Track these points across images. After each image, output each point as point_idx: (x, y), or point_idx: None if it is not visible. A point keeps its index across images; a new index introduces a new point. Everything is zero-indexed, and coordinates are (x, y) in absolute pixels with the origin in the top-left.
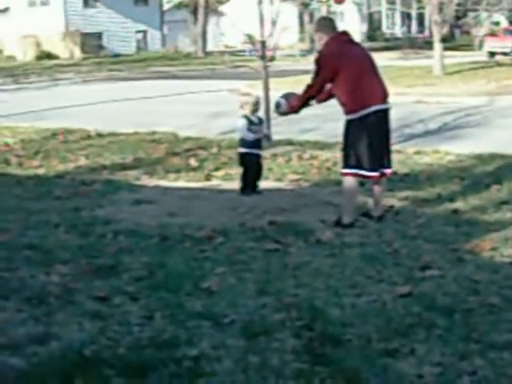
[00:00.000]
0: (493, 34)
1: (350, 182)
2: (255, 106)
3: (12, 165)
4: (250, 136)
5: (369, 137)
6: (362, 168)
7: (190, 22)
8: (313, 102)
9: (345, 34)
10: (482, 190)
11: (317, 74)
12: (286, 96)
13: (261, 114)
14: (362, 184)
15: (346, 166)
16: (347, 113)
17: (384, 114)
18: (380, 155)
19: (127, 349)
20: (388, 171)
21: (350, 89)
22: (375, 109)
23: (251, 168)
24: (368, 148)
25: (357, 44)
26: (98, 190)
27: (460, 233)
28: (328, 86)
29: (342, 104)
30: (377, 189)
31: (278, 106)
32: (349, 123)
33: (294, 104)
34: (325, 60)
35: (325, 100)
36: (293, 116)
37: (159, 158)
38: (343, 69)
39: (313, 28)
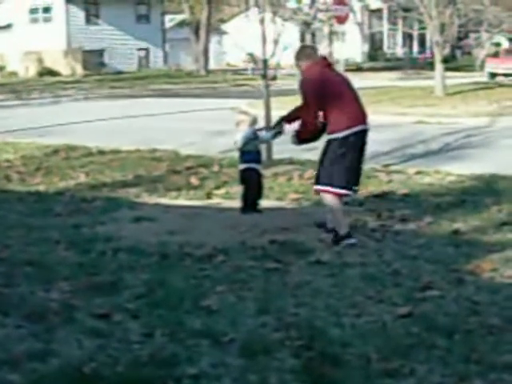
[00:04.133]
0: (495, 55)
1: (328, 196)
2: (252, 125)
3: (13, 181)
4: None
5: (348, 155)
6: (332, 185)
7: (192, 40)
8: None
9: (325, 59)
10: (483, 210)
11: (305, 99)
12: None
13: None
14: (346, 203)
15: (319, 182)
16: (331, 132)
17: (364, 135)
18: (356, 174)
19: (127, 366)
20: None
21: (334, 110)
22: (358, 129)
23: (252, 186)
24: (344, 166)
25: (335, 70)
26: (98, 207)
27: (460, 253)
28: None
29: (329, 125)
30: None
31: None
32: (330, 142)
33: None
34: (309, 84)
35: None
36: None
37: (160, 175)
38: (327, 90)
39: (294, 58)
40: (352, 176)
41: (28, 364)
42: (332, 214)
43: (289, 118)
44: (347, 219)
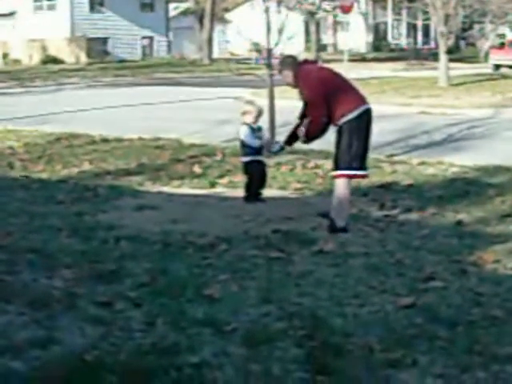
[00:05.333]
0: (501, 47)
1: (343, 184)
2: (257, 117)
3: (16, 168)
4: (257, 143)
5: (360, 137)
6: (353, 168)
7: (196, 28)
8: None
9: (306, 60)
10: (486, 202)
11: (310, 99)
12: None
13: (265, 122)
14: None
15: (338, 168)
16: (339, 117)
17: (370, 114)
18: (366, 155)
19: (129, 355)
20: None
21: (338, 98)
22: (364, 108)
23: (256, 176)
24: (359, 148)
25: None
26: (101, 195)
27: (463, 245)
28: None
29: (335, 112)
30: None
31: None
32: (341, 127)
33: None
34: (311, 83)
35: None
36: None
37: (163, 164)
38: (328, 81)
39: (277, 68)
40: (365, 157)
41: (30, 351)
42: (337, 202)
43: (291, 139)
44: (350, 211)
